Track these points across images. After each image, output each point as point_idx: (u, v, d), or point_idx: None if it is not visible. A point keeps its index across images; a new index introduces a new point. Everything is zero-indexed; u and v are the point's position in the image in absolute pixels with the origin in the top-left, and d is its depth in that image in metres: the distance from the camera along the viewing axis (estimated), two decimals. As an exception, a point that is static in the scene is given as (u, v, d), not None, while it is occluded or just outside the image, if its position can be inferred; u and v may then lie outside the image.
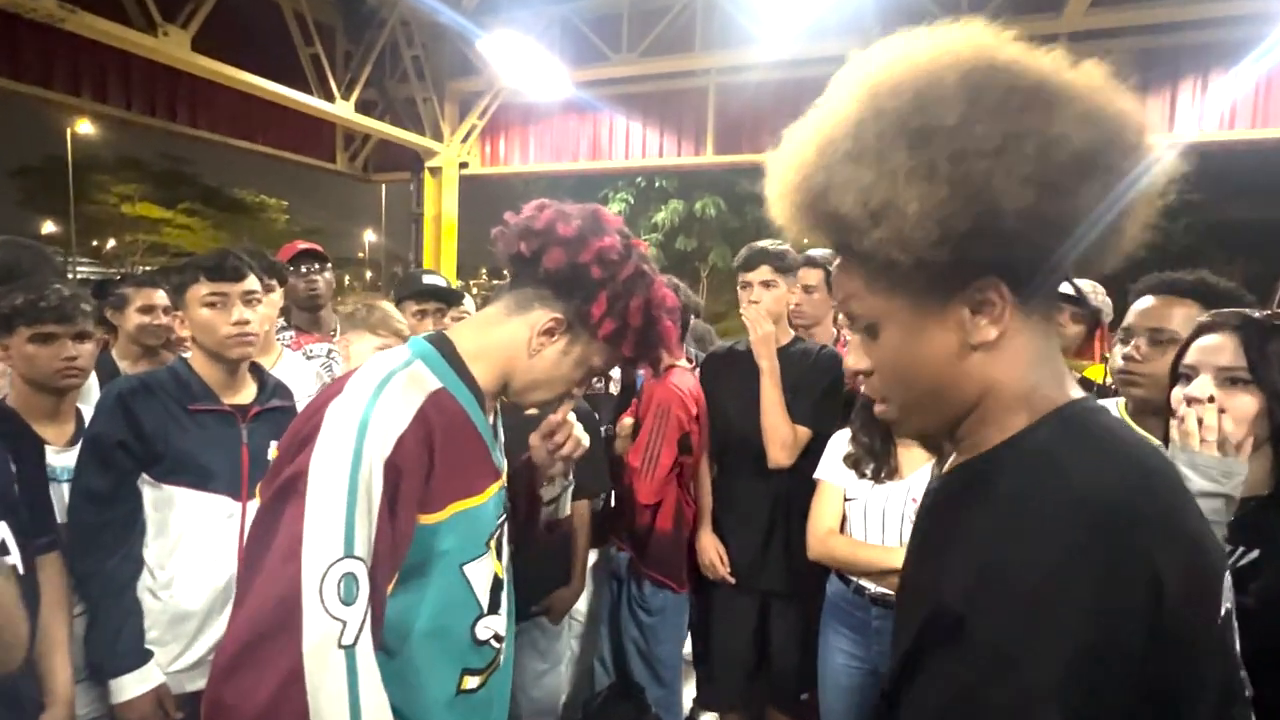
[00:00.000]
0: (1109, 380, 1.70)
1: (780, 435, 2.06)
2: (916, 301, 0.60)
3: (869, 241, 0.57)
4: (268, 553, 0.79)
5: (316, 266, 2.71)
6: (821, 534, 1.85)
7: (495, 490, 1.01)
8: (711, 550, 2.20)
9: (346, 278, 40.25)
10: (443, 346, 0.98)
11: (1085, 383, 2.36)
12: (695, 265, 16.01)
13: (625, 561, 2.24)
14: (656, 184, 14.50)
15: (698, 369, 2.38)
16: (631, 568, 2.23)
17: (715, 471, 2.28)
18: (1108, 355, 1.95)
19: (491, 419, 1.07)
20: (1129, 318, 1.52)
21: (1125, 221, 0.58)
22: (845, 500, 1.85)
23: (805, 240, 0.68)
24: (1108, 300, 2.21)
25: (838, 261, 0.66)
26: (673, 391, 2.18)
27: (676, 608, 2.21)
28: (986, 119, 0.54)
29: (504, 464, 1.07)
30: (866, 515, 1.79)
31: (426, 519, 0.89)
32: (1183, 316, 1.42)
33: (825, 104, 0.61)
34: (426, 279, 2.50)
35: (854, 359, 0.67)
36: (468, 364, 0.98)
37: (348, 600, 0.79)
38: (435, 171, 7.64)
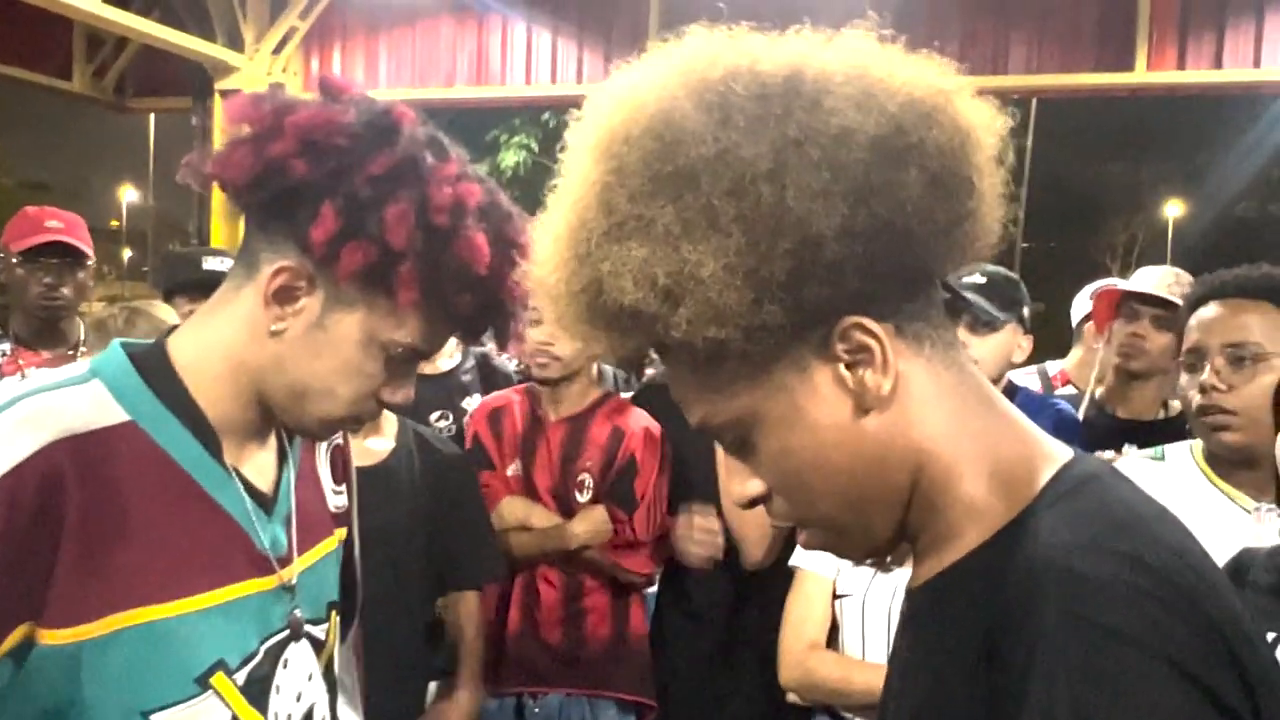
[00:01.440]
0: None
1: (754, 522, 2.07)
2: (773, 382, 0.65)
3: (677, 329, 0.62)
4: None
5: (69, 261, 2.59)
6: (799, 650, 1.86)
7: (246, 593, 0.95)
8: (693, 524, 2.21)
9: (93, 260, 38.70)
10: (148, 359, 0.93)
11: (1186, 418, 2.48)
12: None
13: (556, 706, 2.24)
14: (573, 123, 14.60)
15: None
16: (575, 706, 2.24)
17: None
18: None
19: (274, 466, 1.02)
20: (1192, 334, 1.59)
21: (972, 200, 0.65)
22: (835, 598, 1.87)
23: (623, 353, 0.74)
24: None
25: (667, 371, 0.71)
26: (648, 421, 2.29)
27: None
28: (748, 137, 0.61)
29: (289, 545, 1.02)
30: (866, 618, 1.81)
31: (56, 636, 0.83)
32: (1261, 324, 1.52)
33: (562, 181, 0.69)
34: (208, 262, 2.46)
35: (737, 485, 0.72)
36: (184, 380, 0.93)
37: None
38: (231, 97, 7.50)
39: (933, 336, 0.67)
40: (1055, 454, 0.67)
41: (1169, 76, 6.46)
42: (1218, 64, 6.32)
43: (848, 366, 0.65)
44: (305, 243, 0.89)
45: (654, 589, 2.44)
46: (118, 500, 0.86)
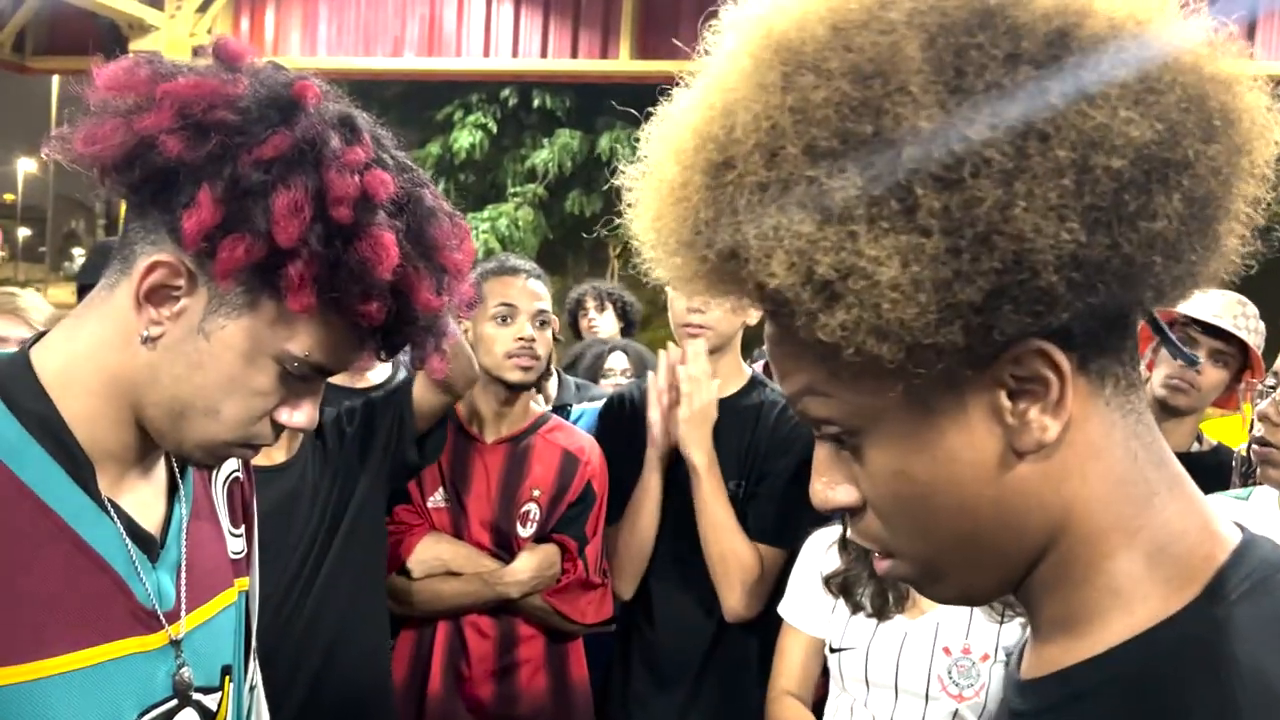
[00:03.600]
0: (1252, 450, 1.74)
1: (738, 567, 2.05)
2: (915, 396, 0.57)
3: (825, 331, 0.54)
4: None
5: None
6: (771, 695, 1.92)
7: (122, 654, 0.91)
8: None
9: (-21, 239, 38.34)
10: (8, 373, 0.90)
11: (1221, 452, 2.41)
12: (600, 238, 16.11)
13: None
14: (536, 103, 14.59)
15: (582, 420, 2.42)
16: None
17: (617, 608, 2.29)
18: (1251, 405, 2.04)
19: (162, 502, 0.99)
20: None
21: (1224, 227, 0.58)
22: (831, 652, 1.88)
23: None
24: (1260, 325, 2.28)
25: (770, 330, 0.63)
26: (590, 443, 2.25)
27: None
28: (983, 112, 0.52)
29: (177, 597, 0.98)
30: (871, 673, 1.81)
31: None
32: None
33: (709, 73, 0.60)
34: None
35: (823, 488, 0.64)
36: (51, 397, 0.90)
37: None
38: (106, 64, 7.45)
39: (1118, 374, 0.59)
40: (1224, 533, 0.60)
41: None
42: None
43: (1010, 395, 0.57)
44: (180, 234, 0.85)
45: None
46: None
